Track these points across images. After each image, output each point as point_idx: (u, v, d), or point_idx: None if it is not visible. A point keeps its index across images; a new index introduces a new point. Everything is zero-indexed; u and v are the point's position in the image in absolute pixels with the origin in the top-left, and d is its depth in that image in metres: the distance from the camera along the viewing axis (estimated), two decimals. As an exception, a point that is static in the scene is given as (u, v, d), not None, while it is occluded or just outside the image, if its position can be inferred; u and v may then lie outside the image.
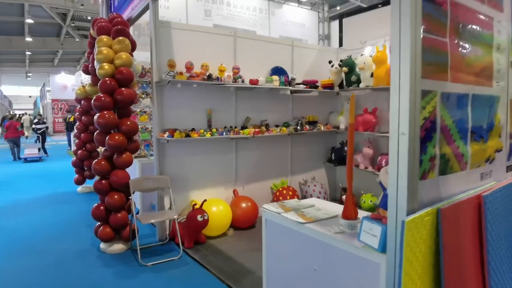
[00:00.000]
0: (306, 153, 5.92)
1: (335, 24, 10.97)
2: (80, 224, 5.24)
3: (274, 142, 5.45)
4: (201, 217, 4.14)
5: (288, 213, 2.53)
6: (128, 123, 4.19)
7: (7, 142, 12.97)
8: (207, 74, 4.39)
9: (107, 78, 4.20)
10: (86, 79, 6.84)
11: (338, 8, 8.97)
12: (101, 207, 4.18)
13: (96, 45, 4.53)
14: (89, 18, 26.63)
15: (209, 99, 4.82)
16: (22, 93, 46.14)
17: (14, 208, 6.23)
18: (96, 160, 4.22)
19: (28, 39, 29.99)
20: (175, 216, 4.07)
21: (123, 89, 4.20)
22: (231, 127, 4.91)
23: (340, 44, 6.42)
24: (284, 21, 9.99)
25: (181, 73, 4.27)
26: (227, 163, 5.06)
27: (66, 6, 24.31)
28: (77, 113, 7.13)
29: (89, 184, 7.36)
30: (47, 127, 14.56)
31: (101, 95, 4.14)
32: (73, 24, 28.67)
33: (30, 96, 44.29)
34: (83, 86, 6.80)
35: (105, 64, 4.27)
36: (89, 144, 7.05)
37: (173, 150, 4.52)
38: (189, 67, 4.36)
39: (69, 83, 24.97)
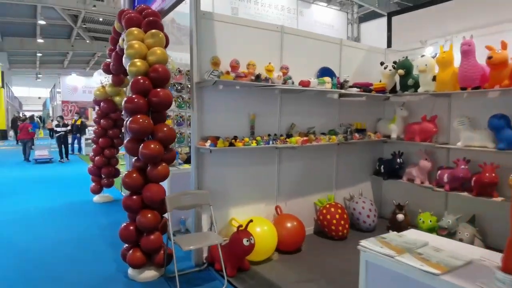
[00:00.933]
0: (352, 165, 5.27)
1: (365, 25, 10.36)
2: (100, 242, 4.60)
3: (319, 152, 4.79)
4: (247, 240, 3.48)
5: (404, 256, 1.87)
6: (165, 129, 3.56)
7: (20, 143, 13.43)
8: (256, 74, 3.75)
9: (140, 77, 3.57)
10: (106, 79, 6.21)
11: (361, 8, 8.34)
12: (131, 227, 3.53)
13: (125, 38, 3.92)
14: (100, 19, 26.36)
15: (252, 102, 4.18)
16: (32, 94, 45.85)
17: (24, 219, 5.62)
18: (126, 172, 3.57)
19: (40, 40, 29.72)
20: (222, 241, 3.42)
21: (158, 89, 3.57)
22: (275, 134, 4.26)
23: (389, 45, 5.77)
24: (312, 21, 9.41)
25: (227, 73, 3.63)
26: (269, 175, 4.41)
27: (78, 8, 23.96)
28: (95, 115, 6.52)
29: (107, 194, 6.74)
30: (68, 130, 13.39)
31: (134, 96, 3.52)
32: (84, 26, 28.33)
33: (39, 98, 43.99)
34: (103, 87, 6.20)
35: (137, 60, 3.65)
36: (107, 149, 6.43)
37: (212, 161, 3.88)
38: (234, 66, 3.73)
39: (80, 84, 24.46)
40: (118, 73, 5.95)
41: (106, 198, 6.63)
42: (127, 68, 3.76)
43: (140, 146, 3.43)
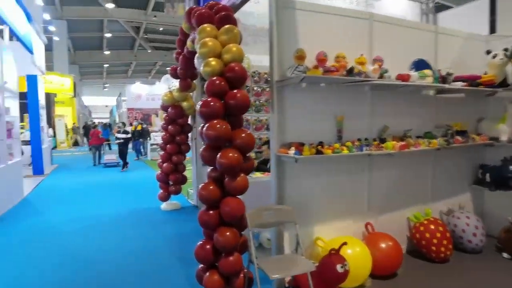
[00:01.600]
0: (449, 173, 4.46)
1: (442, 16, 9.28)
2: (169, 257, 4.26)
3: (413, 159, 4.06)
4: (341, 266, 2.91)
5: None
6: (243, 135, 3.08)
7: (91, 148, 14.02)
8: (348, 67, 3.15)
9: (215, 77, 3.14)
10: (173, 83, 5.95)
11: None
12: (207, 246, 3.10)
13: (197, 36, 3.52)
14: (160, 29, 27.30)
15: (339, 102, 3.59)
16: (99, 103, 48.87)
17: (93, 227, 5.50)
18: (202, 184, 3.14)
19: (106, 52, 31.46)
20: (313, 268, 2.86)
21: (235, 91, 3.11)
22: (366, 139, 3.63)
23: (492, 30, 4.87)
24: (382, 13, 8.56)
25: (315, 67, 3.08)
26: (357, 187, 3.78)
27: (140, 19, 25.00)
28: (163, 121, 6.29)
29: (174, 201, 6.49)
30: (129, 138, 12.83)
31: (209, 99, 3.09)
32: (145, 36, 29.56)
33: (106, 106, 46.74)
34: (170, 92, 5.94)
35: (211, 59, 3.22)
36: (175, 156, 6.17)
37: (295, 171, 3.35)
38: (322, 59, 3.17)
39: (143, 92, 25.33)
40: (185, 77, 5.67)
41: (174, 206, 6.38)
42: (200, 69, 3.36)
43: (218, 155, 2.98)
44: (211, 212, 3.07)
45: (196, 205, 6.45)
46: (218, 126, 2.98)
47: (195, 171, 6.45)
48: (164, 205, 6.40)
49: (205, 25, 3.49)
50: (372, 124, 3.80)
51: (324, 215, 3.58)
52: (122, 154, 11.93)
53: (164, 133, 6.30)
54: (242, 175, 3.07)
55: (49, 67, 20.31)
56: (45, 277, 3.75)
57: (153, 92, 25.23)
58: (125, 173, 11.32)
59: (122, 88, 32.88)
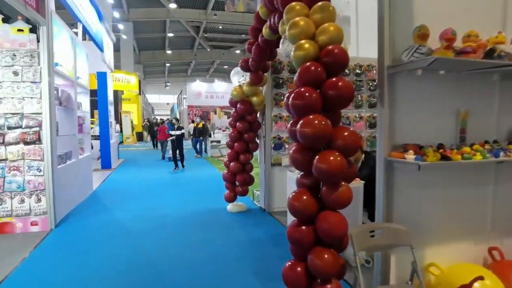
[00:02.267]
0: None
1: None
2: (244, 269, 3.75)
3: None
4: (479, 309, 2.15)
5: None
6: (346, 134, 2.44)
7: (157, 144, 14.77)
8: (488, 48, 2.38)
9: (309, 63, 2.54)
10: (244, 77, 5.45)
11: None
12: (298, 269, 2.51)
13: (285, 17, 2.95)
14: (220, 27, 27.37)
15: (459, 94, 2.82)
16: (161, 100, 50.72)
17: (160, 227, 5.19)
18: (293, 193, 2.55)
19: (168, 52, 32.33)
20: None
21: (334, 79, 2.48)
22: (495, 141, 2.81)
23: None
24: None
25: (446, 47, 2.34)
26: (479, 201, 2.97)
27: (200, 19, 25.20)
28: (231, 118, 5.83)
29: (240, 202, 6.01)
30: (182, 134, 11.26)
31: (303, 89, 2.49)
32: (205, 35, 29.88)
33: (167, 103, 48.36)
34: (240, 86, 5.44)
35: (304, 41, 2.64)
36: (243, 155, 5.67)
37: (407, 180, 2.64)
38: (451, 38, 2.42)
39: (203, 89, 25.53)
40: (257, 69, 5.14)
41: (240, 207, 5.91)
42: (289, 54, 2.78)
43: (316, 158, 2.37)
44: (304, 228, 2.48)
45: (264, 208, 5.92)
46: (316, 122, 2.37)
47: (263, 172, 5.92)
48: (230, 206, 5.95)
49: (294, 3, 2.90)
50: (502, 123, 2.96)
51: (438, 236, 2.83)
52: (176, 152, 10.91)
53: (231, 130, 5.83)
54: (345, 184, 2.43)
55: (117, 67, 21.15)
56: (111, 279, 3.42)
57: (212, 90, 25.36)
58: (187, 170, 11.16)
59: (183, 86, 33.68)
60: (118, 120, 19.84)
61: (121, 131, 20.50)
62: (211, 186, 8.32)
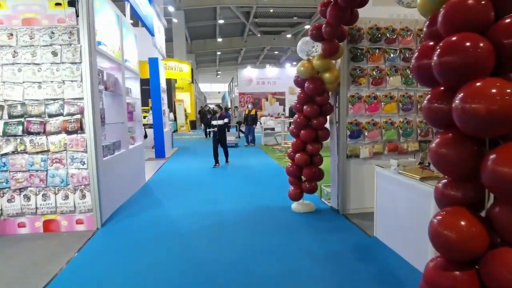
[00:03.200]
0: None
1: None
2: (317, 284, 2.77)
3: None
4: None
5: None
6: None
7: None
8: None
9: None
10: (315, 48, 4.39)
11: None
12: None
13: None
14: (271, 11, 26.18)
15: None
16: (213, 89, 50.89)
17: (217, 228, 4.40)
18: (440, 214, 1.50)
19: (219, 39, 31.80)
20: None
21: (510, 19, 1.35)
22: None
23: None
24: None
25: None
26: None
27: (250, 4, 24.20)
28: (296, 101, 4.82)
29: (307, 201, 5.02)
30: (226, 124, 9.19)
31: (461, 37, 1.40)
32: (255, 21, 28.86)
33: (219, 92, 48.38)
34: (309, 61, 4.39)
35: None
36: (311, 144, 4.66)
37: None
38: None
39: (254, 75, 24.65)
40: (332, 37, 4.04)
41: (307, 207, 4.92)
42: None
43: (490, 157, 1.29)
44: (461, 274, 1.42)
45: (336, 208, 4.87)
46: (496, 91, 1.28)
47: (335, 165, 4.85)
48: (295, 205, 4.98)
49: None
50: None
51: None
52: (218, 145, 8.96)
53: (297, 115, 4.82)
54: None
55: (170, 56, 20.96)
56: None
57: (264, 76, 24.42)
58: (241, 159, 10.36)
59: (234, 74, 33.15)
60: (172, 108, 19.64)
61: (175, 119, 20.32)
62: (270, 178, 7.41)
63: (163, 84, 11.38)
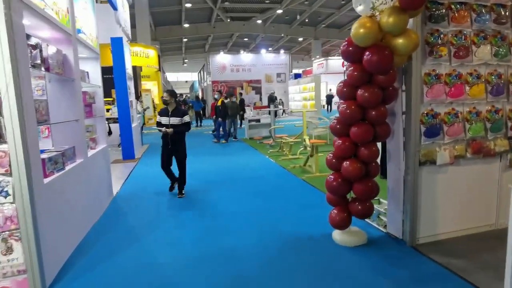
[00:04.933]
0: None
1: None
2: None
3: None
4: None
5: None
6: None
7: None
8: None
9: None
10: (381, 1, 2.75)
11: None
12: None
13: None
14: (241, -5, 24.23)
15: None
16: (179, 79, 48.10)
17: (225, 280, 2.69)
18: None
19: (185, 25, 29.35)
20: None
21: None
22: None
23: None
24: None
25: None
26: None
27: (219, -15, 22.12)
28: (341, 84, 3.20)
29: (355, 227, 3.45)
30: (186, 124, 5.48)
31: None
32: (223, 5, 26.70)
33: (186, 81, 45.70)
34: (372, 17, 2.76)
35: None
36: (366, 147, 3.09)
37: None
38: None
39: (227, 62, 22.66)
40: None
41: (358, 237, 3.35)
42: None
43: None
44: None
45: (400, 237, 3.34)
46: None
47: (398, 175, 3.30)
48: (341, 236, 3.38)
49: None
50: None
51: None
52: (171, 158, 5.35)
53: (339, 104, 3.20)
54: None
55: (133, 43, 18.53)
56: None
57: (238, 62, 22.50)
58: (230, 158, 8.63)
59: (201, 62, 30.91)
60: (140, 100, 17.29)
61: (145, 111, 17.95)
62: (277, 185, 5.77)
63: (129, 70, 9.33)
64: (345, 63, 3.17)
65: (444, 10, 3.02)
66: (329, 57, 27.99)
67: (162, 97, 5.35)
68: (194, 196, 5.30)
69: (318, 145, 6.14)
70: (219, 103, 11.41)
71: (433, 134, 3.11)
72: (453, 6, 3.05)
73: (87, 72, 4.79)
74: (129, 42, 10.33)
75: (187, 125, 5.18)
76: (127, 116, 8.52)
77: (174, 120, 5.06)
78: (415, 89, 3.03)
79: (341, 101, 3.25)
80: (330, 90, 22.30)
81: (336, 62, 25.16)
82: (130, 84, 9.77)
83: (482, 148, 3.27)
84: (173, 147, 5.17)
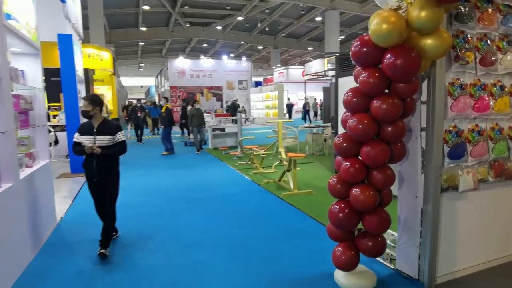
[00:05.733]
0: None
1: None
2: None
3: None
4: None
5: None
6: None
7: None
8: None
9: None
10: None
11: None
12: None
13: None
14: (199, -1, 23.38)
15: None
16: (135, 83, 45.82)
17: None
18: None
19: (142, 28, 27.80)
20: None
21: None
22: None
23: None
24: None
25: None
26: None
27: (177, -11, 21.13)
28: (349, 93, 2.58)
29: (362, 266, 2.82)
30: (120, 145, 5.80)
31: None
32: (182, 10, 25.64)
33: (141, 86, 43.57)
34: (397, 12, 2.16)
35: None
36: (380, 171, 2.48)
37: None
38: None
39: (187, 67, 21.60)
40: None
41: (367, 280, 2.70)
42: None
43: None
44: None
45: (416, 276, 2.75)
46: None
47: (415, 204, 2.73)
48: (345, 279, 2.71)
49: None
50: None
51: None
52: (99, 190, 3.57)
53: (352, 118, 2.57)
54: None
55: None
56: None
57: (198, 68, 21.50)
58: (196, 171, 7.77)
59: (158, 67, 29.45)
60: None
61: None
62: (254, 205, 5.04)
63: (80, 72, 8.16)
64: (356, 67, 2.55)
65: (471, 8, 2.52)
66: (290, 66, 27.91)
67: (81, 106, 3.87)
68: (149, 222, 4.40)
69: (295, 159, 5.52)
70: (163, 109, 10.23)
71: (457, 155, 2.58)
72: (479, 4, 2.56)
73: (22, 71, 3.77)
74: (80, 42, 9.10)
75: (122, 146, 3.44)
76: (77, 123, 7.31)
77: (103, 140, 3.36)
78: (439, 101, 2.49)
79: (347, 113, 2.63)
80: (289, 99, 22.07)
81: (296, 72, 25.08)
82: (81, 87, 8.58)
83: (504, 170, 2.81)
84: (101, 178, 3.42)
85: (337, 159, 2.74)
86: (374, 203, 2.51)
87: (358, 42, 2.42)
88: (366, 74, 2.41)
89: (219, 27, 28.81)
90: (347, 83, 6.01)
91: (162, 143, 10.11)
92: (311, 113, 22.24)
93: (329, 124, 9.16)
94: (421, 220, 2.67)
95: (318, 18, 25.12)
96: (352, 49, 2.46)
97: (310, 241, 3.61)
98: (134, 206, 5.00)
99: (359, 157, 2.57)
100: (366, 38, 2.38)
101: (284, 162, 5.79)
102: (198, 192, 5.82)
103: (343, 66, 6.13)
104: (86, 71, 12.74)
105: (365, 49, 2.38)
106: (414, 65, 2.22)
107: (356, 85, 2.57)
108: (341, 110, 6.31)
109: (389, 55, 2.25)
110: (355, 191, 2.54)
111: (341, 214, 2.61)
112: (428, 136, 2.57)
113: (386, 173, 2.53)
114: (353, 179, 2.56)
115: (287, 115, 21.89)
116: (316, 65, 20.97)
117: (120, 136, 3.44)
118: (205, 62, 22.86)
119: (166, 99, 11.61)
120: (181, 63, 21.98)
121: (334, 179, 2.71)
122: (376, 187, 2.55)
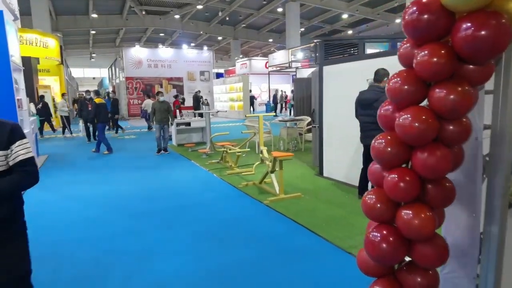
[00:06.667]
0: None
1: None
2: None
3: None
4: None
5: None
6: None
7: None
8: None
9: None
10: None
11: None
12: None
13: None
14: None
15: None
16: (86, 75, 42.52)
17: None
18: None
19: (93, 15, 25.52)
20: None
21: None
22: None
23: None
24: None
25: None
26: None
27: (131, -26, 19.42)
28: (396, 76, 1.83)
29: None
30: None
31: None
32: (137, -1, 23.84)
33: (94, 78, 40.53)
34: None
35: None
36: (437, 186, 1.75)
37: None
38: None
39: (144, 56, 19.99)
40: None
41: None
42: None
43: None
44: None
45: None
46: None
47: (469, 222, 2.09)
48: None
49: None
50: None
51: None
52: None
53: (391, 110, 1.85)
54: None
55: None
56: None
57: (156, 57, 19.96)
58: (160, 172, 6.77)
59: (111, 57, 27.32)
60: (34, 99, 13.70)
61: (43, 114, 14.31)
62: (235, 215, 4.23)
63: (15, 58, 6.75)
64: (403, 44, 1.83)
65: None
66: (253, 57, 27.09)
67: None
68: (102, 245, 3.45)
69: (282, 159, 4.77)
70: (97, 100, 9.09)
71: (530, 161, 1.96)
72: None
73: None
74: (17, 24, 7.62)
75: (27, 172, 1.71)
76: (13, 120, 6.02)
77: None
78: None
79: (388, 107, 1.91)
80: (251, 91, 21.32)
81: (260, 63, 24.32)
82: (19, 77, 7.16)
83: None
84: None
85: (372, 169, 2.01)
86: (433, 228, 1.82)
87: (416, 8, 1.68)
88: (427, 51, 1.68)
89: (177, 16, 27.23)
90: (332, 73, 5.35)
91: (101, 142, 8.96)
92: (278, 106, 21.67)
93: (305, 117, 8.54)
94: (480, 245, 2.03)
95: (280, 9, 24.52)
96: (406, 17, 1.71)
97: (317, 265, 2.89)
98: (85, 224, 3.97)
99: (409, 166, 1.87)
100: (428, 0, 1.64)
101: (267, 162, 5.03)
102: (165, 200, 4.88)
103: (328, 53, 5.45)
104: (28, 60, 11.02)
105: (428, 16, 1.64)
106: (504, 37, 1.53)
107: (401, 68, 1.84)
108: (326, 102, 5.66)
109: (467, 24, 1.53)
110: (406, 213, 1.83)
111: (384, 245, 1.89)
112: (495, 137, 1.92)
113: (445, 186, 1.84)
114: (404, 197, 1.84)
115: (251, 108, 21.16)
116: (280, 57, 20.35)
117: (20, 149, 1.71)
118: (164, 52, 21.34)
119: (97, 92, 10.03)
120: (137, 52, 20.31)
121: (371, 196, 1.98)
122: (434, 204, 1.85)
